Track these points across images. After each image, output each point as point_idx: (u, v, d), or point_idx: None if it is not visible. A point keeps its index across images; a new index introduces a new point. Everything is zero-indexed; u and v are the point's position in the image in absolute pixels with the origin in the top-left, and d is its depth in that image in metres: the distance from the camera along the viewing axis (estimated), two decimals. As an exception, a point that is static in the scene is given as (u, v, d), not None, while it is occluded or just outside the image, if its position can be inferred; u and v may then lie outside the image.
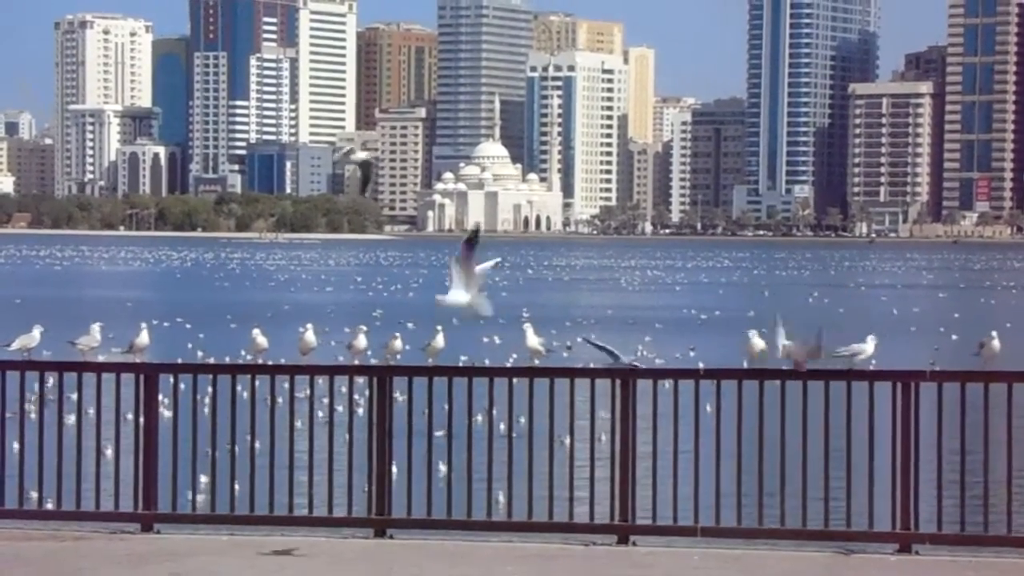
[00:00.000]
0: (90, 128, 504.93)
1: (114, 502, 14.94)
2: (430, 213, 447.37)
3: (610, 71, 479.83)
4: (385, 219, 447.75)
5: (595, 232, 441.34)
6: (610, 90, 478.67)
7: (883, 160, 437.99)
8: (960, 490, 13.59)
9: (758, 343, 14.39)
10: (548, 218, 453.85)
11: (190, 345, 54.50)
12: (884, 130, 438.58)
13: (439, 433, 15.20)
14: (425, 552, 13.97)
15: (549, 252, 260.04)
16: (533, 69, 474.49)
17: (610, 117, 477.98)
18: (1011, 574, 12.91)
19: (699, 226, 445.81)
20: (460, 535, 14.36)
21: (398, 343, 16.26)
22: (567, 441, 14.21)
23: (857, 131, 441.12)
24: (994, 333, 14.40)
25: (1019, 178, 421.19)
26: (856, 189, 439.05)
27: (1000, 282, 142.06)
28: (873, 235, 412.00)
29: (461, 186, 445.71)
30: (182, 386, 14.96)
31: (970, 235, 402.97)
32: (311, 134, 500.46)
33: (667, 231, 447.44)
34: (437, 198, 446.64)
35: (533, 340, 14.74)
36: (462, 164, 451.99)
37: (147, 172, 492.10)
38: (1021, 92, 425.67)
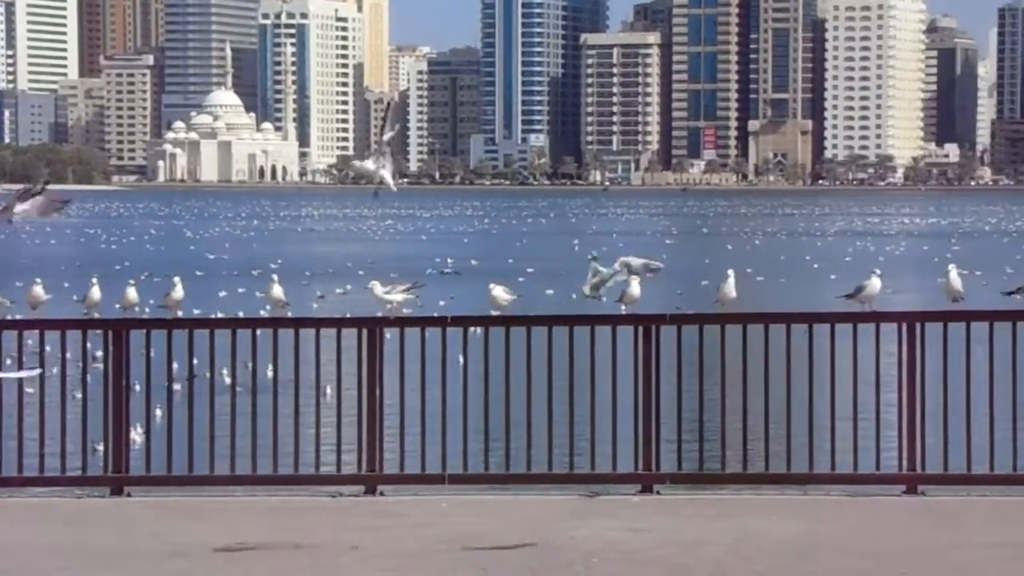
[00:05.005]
0: None
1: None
2: (160, 163, 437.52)
3: (344, 19, 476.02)
4: (112, 169, 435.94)
5: (333, 182, 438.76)
6: (344, 38, 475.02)
7: (615, 110, 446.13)
8: (699, 431, 13.88)
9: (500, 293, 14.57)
10: (284, 168, 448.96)
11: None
12: (615, 80, 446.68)
13: (178, 386, 14.94)
14: (170, 509, 13.66)
15: (287, 202, 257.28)
16: (265, 16, 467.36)
17: (345, 66, 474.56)
18: (746, 509, 13.27)
19: (437, 175, 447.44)
20: (204, 491, 14.10)
21: (132, 294, 15.89)
22: (314, 392, 14.11)
23: (589, 81, 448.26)
24: (730, 273, 14.66)
25: (743, 127, 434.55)
26: (590, 138, 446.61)
27: (734, 228, 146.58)
28: (607, 183, 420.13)
29: (193, 135, 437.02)
30: None
31: (698, 183, 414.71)
32: (30, 81, 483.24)
33: (405, 180, 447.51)
34: (168, 147, 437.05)
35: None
36: (193, 113, 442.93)
37: None
38: (743, 43, 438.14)
